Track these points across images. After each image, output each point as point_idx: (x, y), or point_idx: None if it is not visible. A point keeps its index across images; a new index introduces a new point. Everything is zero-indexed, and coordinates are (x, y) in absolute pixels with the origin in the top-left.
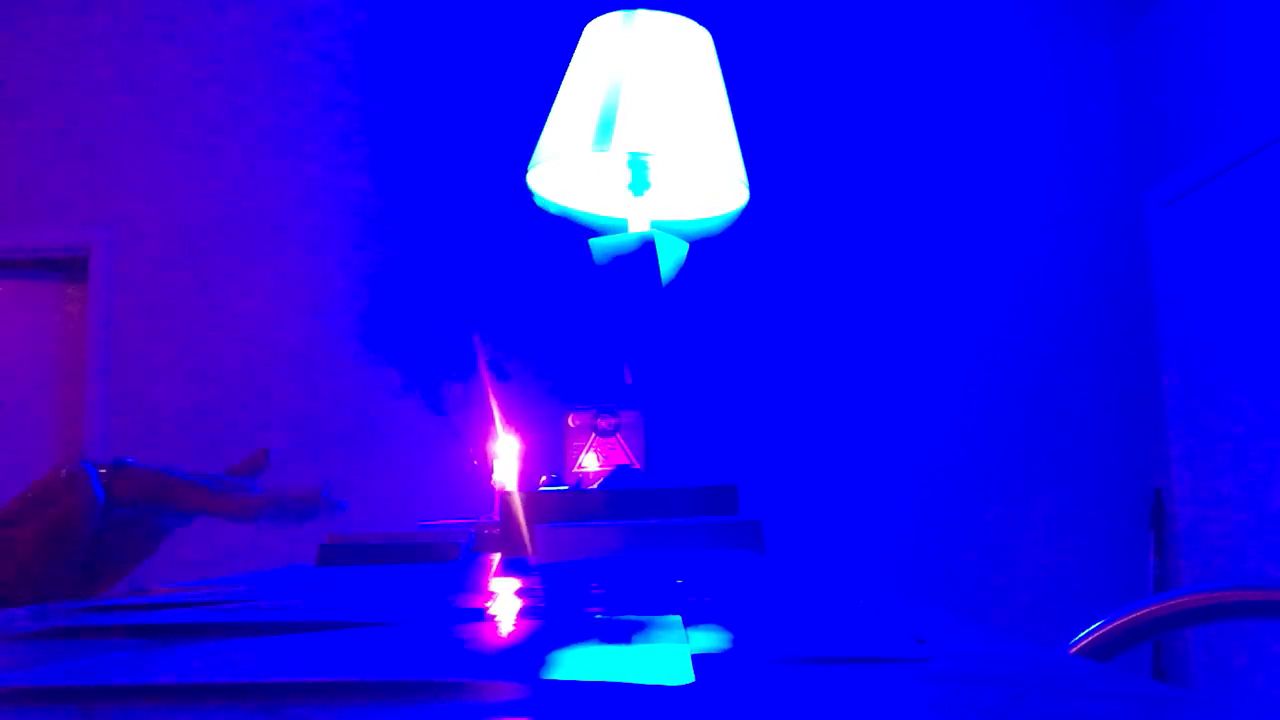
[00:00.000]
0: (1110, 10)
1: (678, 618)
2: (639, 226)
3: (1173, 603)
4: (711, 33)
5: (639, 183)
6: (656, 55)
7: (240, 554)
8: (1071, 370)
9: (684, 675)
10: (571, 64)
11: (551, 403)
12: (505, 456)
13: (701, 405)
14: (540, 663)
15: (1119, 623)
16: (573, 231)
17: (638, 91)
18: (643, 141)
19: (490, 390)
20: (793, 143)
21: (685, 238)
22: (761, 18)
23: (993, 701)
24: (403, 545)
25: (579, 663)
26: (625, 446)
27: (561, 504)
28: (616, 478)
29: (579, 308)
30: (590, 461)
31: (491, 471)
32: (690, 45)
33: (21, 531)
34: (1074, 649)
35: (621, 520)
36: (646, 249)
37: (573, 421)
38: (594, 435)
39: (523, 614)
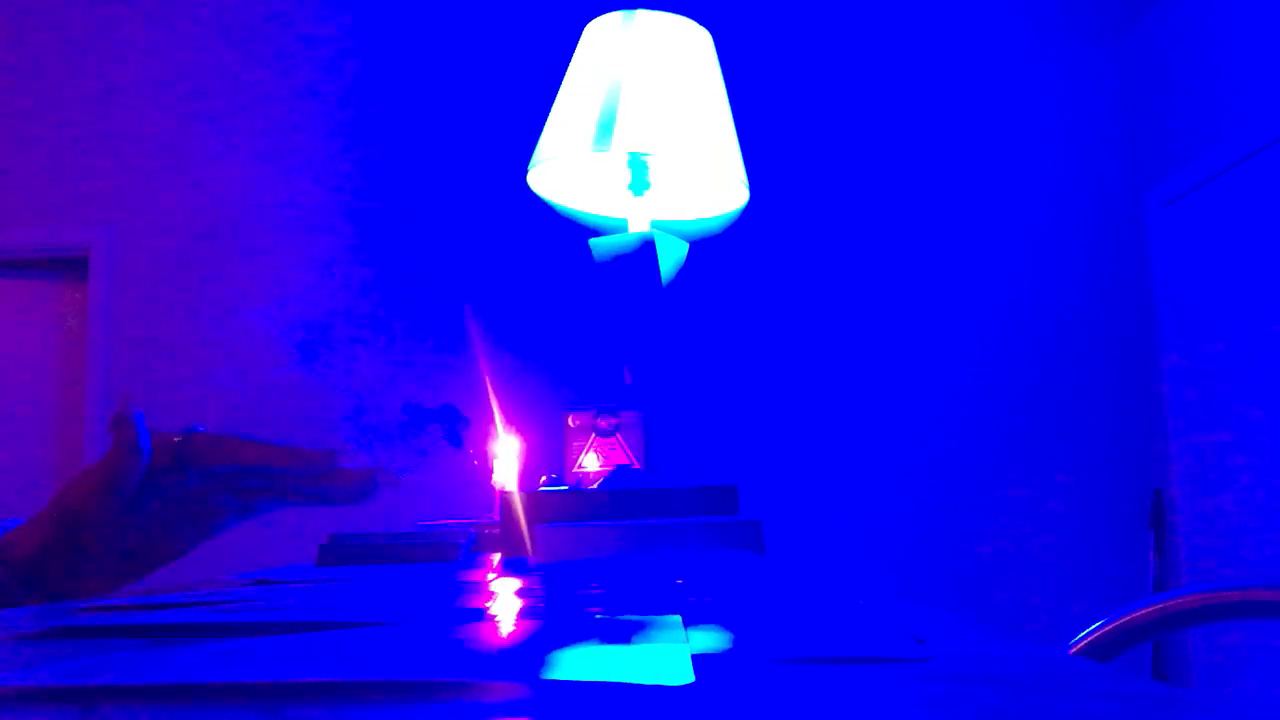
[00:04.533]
0: (1110, 10)
1: (678, 618)
2: (639, 226)
3: (1173, 603)
4: (711, 33)
5: (639, 183)
6: (656, 55)
7: (240, 554)
8: (1071, 370)
9: (684, 675)
10: (571, 64)
11: (551, 403)
12: (505, 456)
13: (701, 405)
14: (540, 663)
15: (1119, 623)
16: (573, 231)
17: (638, 91)
18: (643, 141)
19: (484, 366)
20: (793, 143)
21: (685, 238)
22: (761, 18)
23: (993, 701)
24: (403, 545)
25: (579, 663)
26: (625, 446)
27: (561, 504)
28: (616, 478)
29: (579, 308)
30: (590, 461)
31: (491, 471)
32: (690, 45)
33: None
34: (1074, 649)
35: (621, 520)
36: (646, 249)
37: (573, 421)
38: (594, 435)
39: (523, 614)
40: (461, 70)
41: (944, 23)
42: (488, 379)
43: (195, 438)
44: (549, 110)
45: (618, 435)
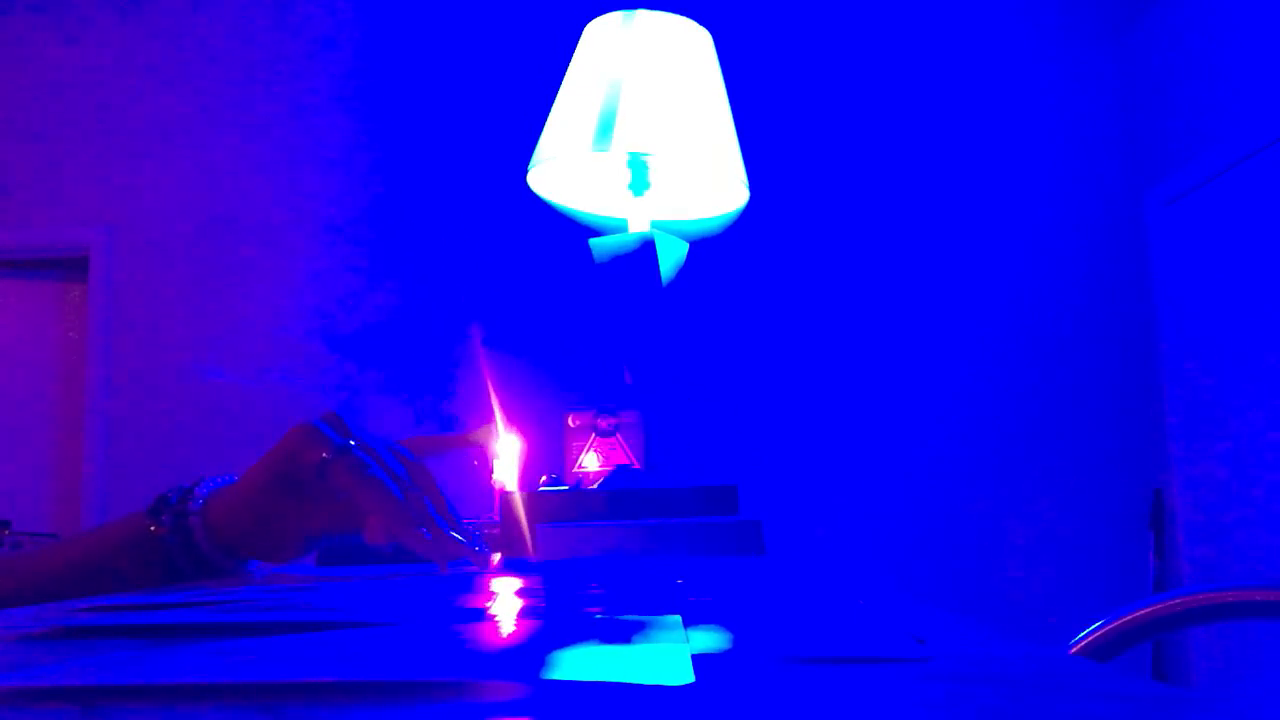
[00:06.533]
0: (1110, 10)
1: (678, 618)
2: (639, 226)
3: (1173, 603)
4: (711, 33)
5: (639, 183)
6: (656, 55)
7: None
8: (1071, 370)
9: (684, 675)
10: (571, 64)
11: (551, 403)
12: (505, 456)
13: (701, 405)
14: (540, 663)
15: (1119, 623)
16: (573, 231)
17: (638, 91)
18: (643, 141)
19: (489, 381)
20: (793, 143)
21: (685, 238)
22: (761, 18)
23: (993, 701)
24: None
25: (579, 663)
26: (625, 446)
27: (561, 504)
28: (616, 478)
29: (579, 308)
30: (590, 461)
31: (491, 471)
32: (690, 45)
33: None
34: (1074, 649)
35: (621, 520)
36: (646, 249)
37: (573, 421)
38: (594, 435)
39: (523, 614)
40: (462, 70)
41: (944, 23)
42: (488, 380)
43: (350, 463)
44: (549, 110)
45: (618, 435)
